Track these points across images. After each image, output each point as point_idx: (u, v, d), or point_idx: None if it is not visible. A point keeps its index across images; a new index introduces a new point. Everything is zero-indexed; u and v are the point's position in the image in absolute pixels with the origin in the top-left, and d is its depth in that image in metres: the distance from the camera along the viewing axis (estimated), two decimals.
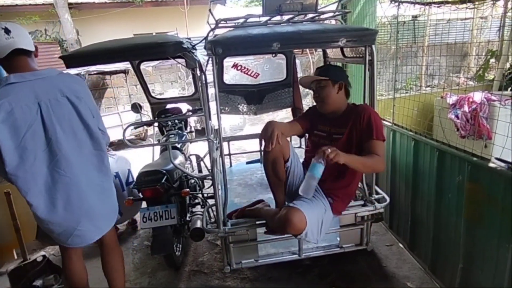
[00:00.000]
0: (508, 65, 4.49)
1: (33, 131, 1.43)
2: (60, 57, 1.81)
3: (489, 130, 3.01)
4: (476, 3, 3.12)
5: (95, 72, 7.02)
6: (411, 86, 6.60)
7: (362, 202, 2.07)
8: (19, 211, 2.33)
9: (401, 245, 2.55)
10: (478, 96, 3.19)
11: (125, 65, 6.46)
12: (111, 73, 7.44)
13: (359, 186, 2.09)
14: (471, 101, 3.23)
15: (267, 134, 1.78)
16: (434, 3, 3.00)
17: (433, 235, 2.07)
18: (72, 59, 1.81)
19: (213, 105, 2.05)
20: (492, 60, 4.37)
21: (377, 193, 2.14)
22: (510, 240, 1.47)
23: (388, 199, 2.07)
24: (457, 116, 3.31)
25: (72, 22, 8.48)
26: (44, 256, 2.34)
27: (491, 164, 1.55)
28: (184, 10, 9.14)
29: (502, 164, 1.50)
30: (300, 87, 3.16)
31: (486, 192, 1.60)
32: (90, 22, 9.86)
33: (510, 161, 1.46)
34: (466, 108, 3.21)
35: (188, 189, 2.46)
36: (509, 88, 4.32)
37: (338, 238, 2.16)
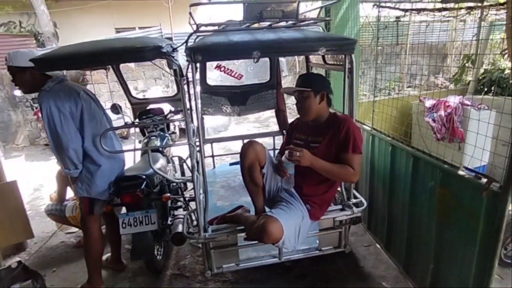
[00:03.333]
0: (482, 70, 4.67)
1: None
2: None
3: (463, 133, 3.13)
4: (453, 12, 3.22)
5: None
6: (393, 86, 6.71)
7: (340, 207, 2.12)
8: None
9: (378, 245, 2.63)
10: (453, 101, 3.30)
11: None
12: (92, 68, 7.20)
13: (338, 190, 2.14)
14: (446, 105, 3.35)
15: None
16: (414, 9, 3.07)
17: (407, 236, 2.16)
18: (43, 63, 1.73)
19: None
20: (468, 64, 4.54)
21: (355, 197, 2.20)
22: (476, 243, 1.55)
23: (365, 203, 2.13)
24: (433, 120, 3.42)
25: (49, 14, 8.10)
26: (19, 262, 2.27)
27: (460, 172, 1.63)
28: (168, 5, 8.94)
29: (470, 173, 1.58)
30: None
31: (455, 197, 1.68)
32: (69, 15, 9.52)
33: (478, 170, 1.54)
34: (442, 112, 3.32)
35: (169, 194, 2.44)
36: (482, 93, 4.50)
37: (317, 241, 2.21)
